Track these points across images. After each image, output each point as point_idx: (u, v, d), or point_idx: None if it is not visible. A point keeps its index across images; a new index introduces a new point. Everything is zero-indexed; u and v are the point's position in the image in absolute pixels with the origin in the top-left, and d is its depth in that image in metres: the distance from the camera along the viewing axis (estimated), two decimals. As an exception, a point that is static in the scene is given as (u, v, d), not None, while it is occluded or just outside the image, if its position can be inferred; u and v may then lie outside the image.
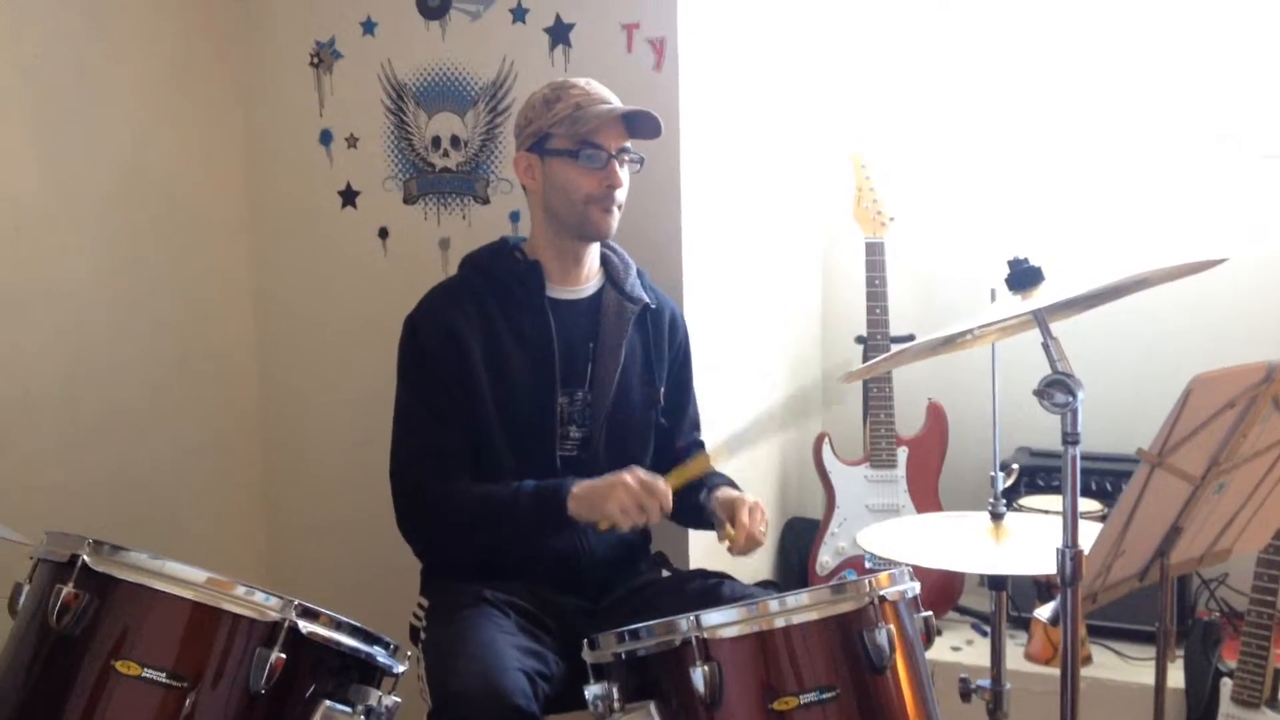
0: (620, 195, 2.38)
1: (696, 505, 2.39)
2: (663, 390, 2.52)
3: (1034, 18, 3.54)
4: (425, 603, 2.40)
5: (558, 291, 2.43)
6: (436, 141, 3.05)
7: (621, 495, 2.15)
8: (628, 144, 2.38)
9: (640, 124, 2.39)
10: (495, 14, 2.95)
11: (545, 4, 2.90)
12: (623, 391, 2.44)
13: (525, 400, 2.36)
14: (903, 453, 3.34)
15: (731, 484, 2.46)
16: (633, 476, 2.17)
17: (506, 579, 2.33)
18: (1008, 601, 2.36)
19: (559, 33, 2.89)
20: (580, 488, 2.21)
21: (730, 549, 2.26)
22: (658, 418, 2.52)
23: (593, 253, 2.47)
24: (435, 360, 2.35)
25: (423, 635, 2.31)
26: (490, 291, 2.40)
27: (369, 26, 3.08)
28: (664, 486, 2.17)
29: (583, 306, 2.45)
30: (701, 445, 2.65)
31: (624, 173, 2.38)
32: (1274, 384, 1.85)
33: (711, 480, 2.45)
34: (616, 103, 2.38)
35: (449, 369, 2.34)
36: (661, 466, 2.52)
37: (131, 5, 2.96)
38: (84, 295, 2.88)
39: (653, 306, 2.50)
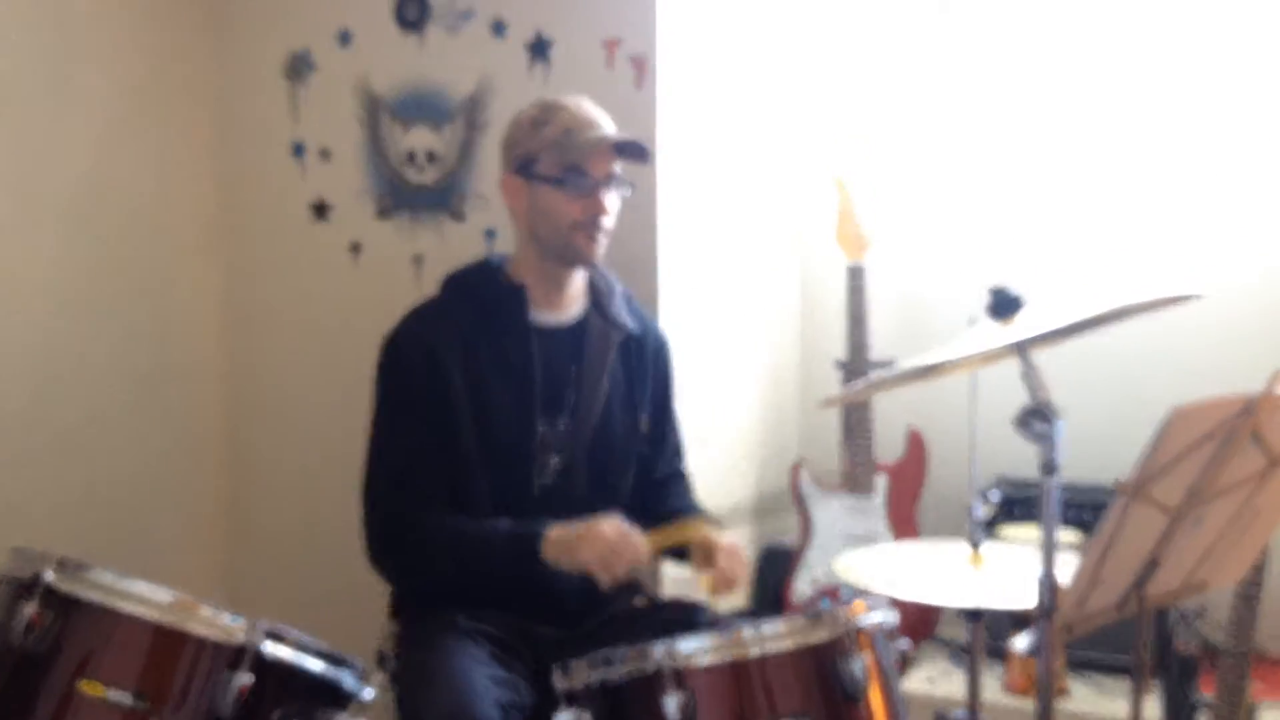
0: (606, 222, 2.35)
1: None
2: (644, 418, 2.49)
3: (1016, 49, 3.56)
4: (396, 629, 2.36)
5: (541, 316, 2.40)
6: (412, 156, 3.04)
7: (596, 546, 2.13)
8: (616, 168, 2.35)
9: (629, 148, 2.36)
10: (475, 28, 2.95)
11: (525, 19, 2.90)
12: (605, 420, 2.41)
13: (504, 426, 2.33)
14: (881, 480, 3.33)
15: (712, 520, 2.44)
16: (610, 527, 2.15)
17: (479, 606, 2.29)
18: (985, 632, 2.36)
19: (539, 48, 2.89)
20: (556, 533, 2.19)
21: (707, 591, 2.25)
22: (640, 446, 2.49)
23: (577, 277, 2.44)
24: (414, 383, 2.32)
25: (393, 664, 2.28)
26: (473, 314, 2.37)
27: (345, 37, 3.07)
28: (640, 541, 2.15)
29: (566, 332, 2.42)
30: (682, 475, 2.64)
31: (612, 199, 2.35)
32: (1253, 417, 1.86)
33: (692, 515, 2.44)
34: (606, 126, 2.35)
35: (427, 392, 2.31)
36: (642, 494, 2.51)
37: (102, 12, 2.94)
38: (49, 306, 2.86)
39: (637, 333, 2.48)
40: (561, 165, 2.30)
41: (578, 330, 2.43)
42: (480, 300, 2.39)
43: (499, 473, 2.33)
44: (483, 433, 2.32)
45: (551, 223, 2.33)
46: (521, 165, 2.34)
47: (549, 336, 2.39)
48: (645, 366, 2.50)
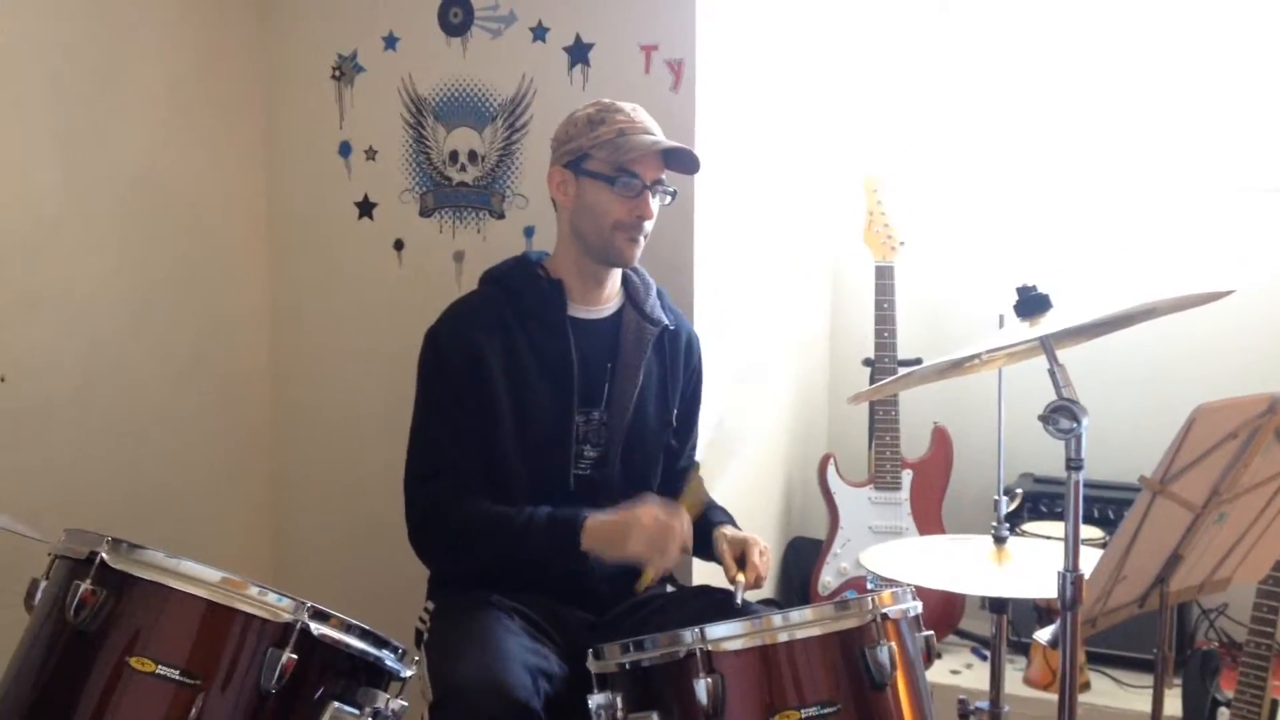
0: (648, 226, 2.39)
1: (704, 540, 2.42)
2: (675, 412, 2.54)
3: (1047, 51, 3.58)
4: (431, 606, 2.42)
5: (578, 310, 2.45)
6: (454, 156, 3.09)
7: (644, 535, 2.17)
8: (663, 176, 2.40)
9: (677, 159, 2.41)
10: (516, 32, 2.99)
11: (566, 23, 2.94)
12: (639, 412, 2.46)
13: (542, 418, 2.38)
14: (907, 475, 3.36)
15: (732, 521, 2.49)
16: (648, 514, 2.18)
17: (513, 590, 2.34)
18: (1008, 626, 2.38)
19: (578, 52, 2.93)
20: (595, 522, 2.22)
21: (741, 589, 2.28)
22: (670, 439, 2.54)
23: (614, 273, 2.49)
24: (454, 375, 2.37)
25: (426, 636, 2.34)
26: (511, 308, 2.41)
27: (391, 41, 3.12)
28: (683, 525, 2.20)
29: (603, 326, 2.47)
30: (695, 465, 2.64)
31: (655, 204, 2.39)
32: (1276, 416, 1.88)
33: (714, 516, 2.48)
34: (659, 134, 2.40)
35: (467, 384, 2.35)
36: (668, 486, 2.54)
37: (154, 14, 2.99)
38: (100, 299, 2.91)
39: (671, 328, 2.52)
40: (613, 164, 2.34)
41: (613, 325, 2.48)
42: (519, 295, 2.43)
43: (537, 463, 2.38)
44: (521, 424, 2.37)
45: (595, 220, 2.37)
46: (573, 160, 2.39)
47: (586, 330, 2.44)
48: (679, 361, 2.54)
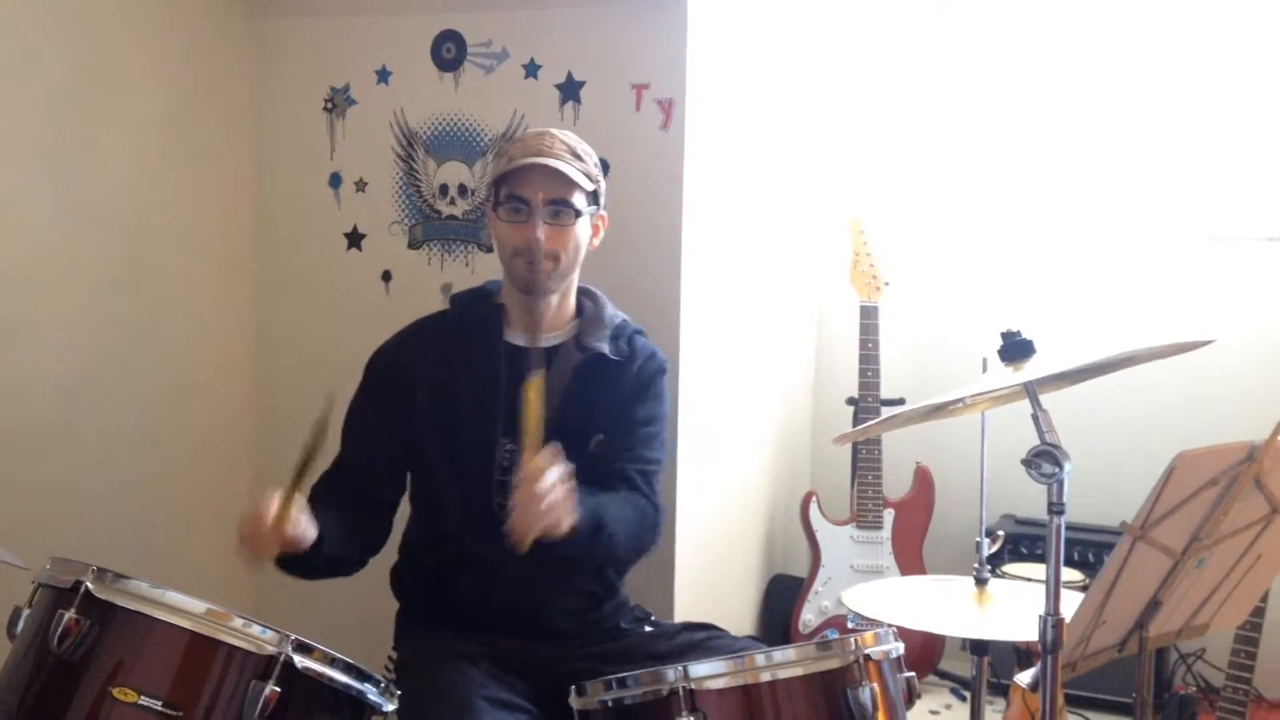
0: (548, 250, 2.28)
1: None
2: (598, 438, 2.37)
3: (1031, 97, 3.62)
4: (394, 656, 2.40)
5: (519, 338, 2.39)
6: (444, 189, 3.10)
7: (239, 524, 2.13)
8: (563, 196, 2.28)
9: (553, 173, 2.28)
10: (508, 68, 3.01)
11: (558, 61, 2.96)
12: (551, 441, 2.18)
13: (468, 442, 2.34)
14: (889, 515, 3.37)
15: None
16: (251, 504, 2.14)
17: (477, 632, 2.31)
18: (988, 667, 2.39)
19: (570, 89, 2.95)
20: None
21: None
22: (589, 464, 2.30)
23: (551, 303, 2.38)
24: (370, 397, 2.40)
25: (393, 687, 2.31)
26: (455, 333, 2.41)
27: (384, 75, 3.14)
28: (266, 504, 2.13)
29: (538, 355, 2.36)
30: (628, 476, 2.39)
31: (554, 225, 2.28)
32: (1255, 464, 1.89)
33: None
34: (556, 152, 2.30)
35: (378, 409, 2.38)
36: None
37: (148, 44, 3.00)
38: (88, 326, 2.91)
39: (616, 359, 2.38)
40: (502, 192, 2.31)
41: (550, 354, 2.38)
42: (464, 319, 2.42)
43: (463, 486, 2.34)
44: (450, 451, 2.34)
45: (501, 250, 2.35)
46: (488, 195, 2.39)
47: (520, 358, 2.36)
48: (614, 389, 2.39)
